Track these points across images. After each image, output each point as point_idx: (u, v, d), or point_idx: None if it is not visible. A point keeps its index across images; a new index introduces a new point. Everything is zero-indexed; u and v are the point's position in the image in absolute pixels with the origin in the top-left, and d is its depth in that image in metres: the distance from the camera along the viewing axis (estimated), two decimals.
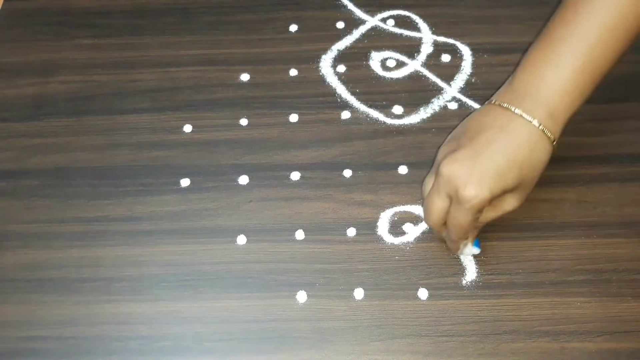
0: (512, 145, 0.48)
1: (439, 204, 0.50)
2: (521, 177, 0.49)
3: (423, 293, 0.55)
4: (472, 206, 0.48)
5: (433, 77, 0.68)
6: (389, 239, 0.58)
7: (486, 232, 0.58)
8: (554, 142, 0.50)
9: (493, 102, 0.51)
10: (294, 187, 0.61)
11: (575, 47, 0.49)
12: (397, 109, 0.65)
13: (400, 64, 0.69)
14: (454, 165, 0.48)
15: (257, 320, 0.55)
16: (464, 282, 0.56)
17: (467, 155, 0.48)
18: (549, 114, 0.49)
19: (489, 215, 0.51)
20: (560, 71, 0.49)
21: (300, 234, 0.59)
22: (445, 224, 0.51)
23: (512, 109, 0.49)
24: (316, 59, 0.69)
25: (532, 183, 0.50)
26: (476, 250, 0.54)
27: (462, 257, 0.56)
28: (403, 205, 0.60)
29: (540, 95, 0.49)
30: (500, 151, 0.48)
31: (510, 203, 0.50)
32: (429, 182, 0.52)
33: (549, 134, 0.49)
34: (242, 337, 0.54)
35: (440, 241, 0.56)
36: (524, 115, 0.49)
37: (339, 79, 0.68)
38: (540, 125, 0.49)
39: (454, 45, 0.69)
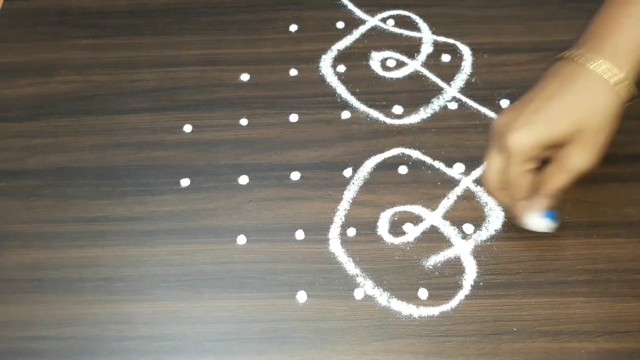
0: (564, 89, 0.44)
1: (493, 161, 0.47)
2: (575, 124, 0.44)
3: (423, 293, 0.55)
4: (516, 153, 0.44)
5: (433, 77, 0.68)
6: (389, 239, 0.58)
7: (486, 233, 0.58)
8: (619, 85, 0.44)
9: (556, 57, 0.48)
10: (294, 187, 0.61)
11: None
12: (397, 109, 0.65)
13: (400, 64, 0.69)
14: (504, 116, 0.46)
15: (257, 320, 0.55)
16: (464, 282, 0.56)
17: (518, 104, 0.46)
18: (611, 52, 0.44)
19: (558, 177, 0.46)
20: (623, 9, 0.45)
21: (300, 234, 0.59)
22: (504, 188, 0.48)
23: (567, 54, 0.46)
24: (316, 59, 0.69)
25: (599, 133, 0.45)
26: (548, 223, 0.48)
27: (463, 257, 0.56)
28: (403, 205, 0.60)
29: (601, 37, 0.45)
30: (550, 96, 0.44)
31: (576, 158, 0.45)
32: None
33: (610, 74, 0.44)
34: (242, 337, 0.54)
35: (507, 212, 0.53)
36: (581, 59, 0.44)
37: (339, 79, 0.68)
38: (597, 63, 0.44)
39: (454, 45, 0.69)
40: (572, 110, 0.44)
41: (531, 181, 0.46)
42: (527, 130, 0.44)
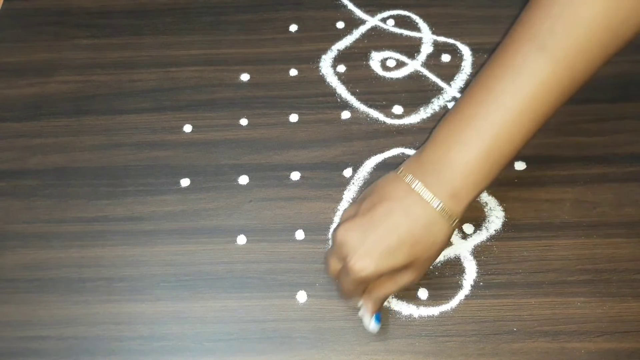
0: (407, 222, 0.47)
1: (333, 264, 0.50)
2: (413, 256, 0.48)
3: (423, 293, 0.55)
4: (356, 279, 0.47)
5: (433, 77, 0.68)
6: None
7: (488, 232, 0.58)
8: (455, 222, 0.48)
9: (399, 171, 0.50)
10: (294, 187, 0.61)
11: (482, 129, 0.47)
12: (397, 109, 0.65)
13: (400, 64, 0.69)
14: (347, 234, 0.48)
15: (257, 320, 0.55)
16: (464, 282, 0.56)
17: (361, 225, 0.48)
18: (452, 194, 0.47)
19: (387, 287, 0.50)
20: (465, 151, 0.47)
21: (300, 234, 0.59)
22: None
23: (413, 185, 0.48)
24: (316, 59, 0.69)
25: (429, 261, 0.49)
26: (374, 326, 0.52)
27: (463, 257, 0.57)
28: None
29: (443, 174, 0.48)
30: (394, 228, 0.47)
31: (406, 278, 0.49)
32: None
33: (448, 215, 0.48)
34: (242, 337, 0.54)
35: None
36: (424, 194, 0.47)
37: (339, 79, 0.68)
38: (439, 205, 0.47)
39: (454, 45, 0.69)
40: (411, 246, 0.47)
41: (363, 292, 0.50)
42: (369, 261, 0.47)
